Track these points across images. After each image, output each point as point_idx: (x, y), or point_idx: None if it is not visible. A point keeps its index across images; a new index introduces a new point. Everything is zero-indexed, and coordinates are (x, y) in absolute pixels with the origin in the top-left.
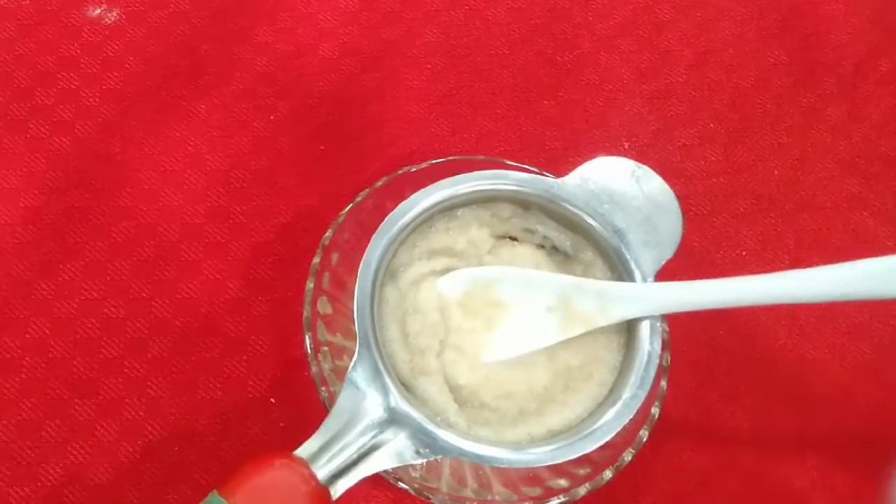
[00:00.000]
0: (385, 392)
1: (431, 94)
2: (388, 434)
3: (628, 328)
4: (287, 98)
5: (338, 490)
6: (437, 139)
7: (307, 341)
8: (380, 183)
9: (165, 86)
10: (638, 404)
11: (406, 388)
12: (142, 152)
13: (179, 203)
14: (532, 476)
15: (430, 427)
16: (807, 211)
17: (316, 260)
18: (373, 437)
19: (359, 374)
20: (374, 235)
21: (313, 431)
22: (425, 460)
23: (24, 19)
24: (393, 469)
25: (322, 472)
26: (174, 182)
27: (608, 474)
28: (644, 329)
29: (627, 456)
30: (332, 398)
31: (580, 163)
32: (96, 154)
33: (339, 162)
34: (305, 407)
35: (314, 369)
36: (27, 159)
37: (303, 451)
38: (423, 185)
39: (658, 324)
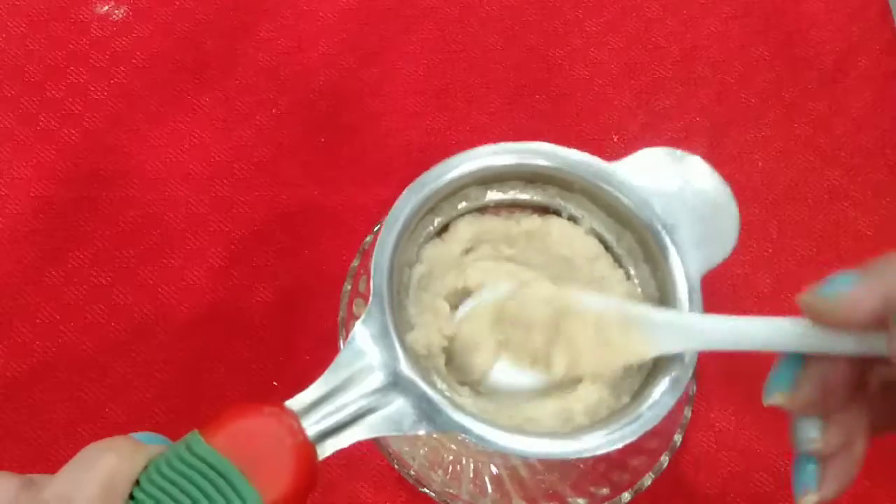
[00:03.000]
0: (392, 355)
1: (427, 88)
2: (389, 399)
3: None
4: (288, 92)
5: (325, 450)
6: (432, 132)
7: (342, 341)
8: None
9: (171, 80)
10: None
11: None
12: (148, 144)
13: (185, 193)
14: (552, 493)
15: (437, 399)
16: (789, 202)
17: (354, 263)
18: (371, 401)
19: (366, 330)
20: (405, 190)
21: None
22: (422, 432)
23: (34, 16)
24: (415, 472)
25: (312, 428)
26: (180, 173)
27: (627, 497)
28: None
29: (647, 480)
30: None
31: None
32: (104, 145)
33: (338, 153)
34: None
35: None
36: (37, 150)
37: (294, 402)
38: None
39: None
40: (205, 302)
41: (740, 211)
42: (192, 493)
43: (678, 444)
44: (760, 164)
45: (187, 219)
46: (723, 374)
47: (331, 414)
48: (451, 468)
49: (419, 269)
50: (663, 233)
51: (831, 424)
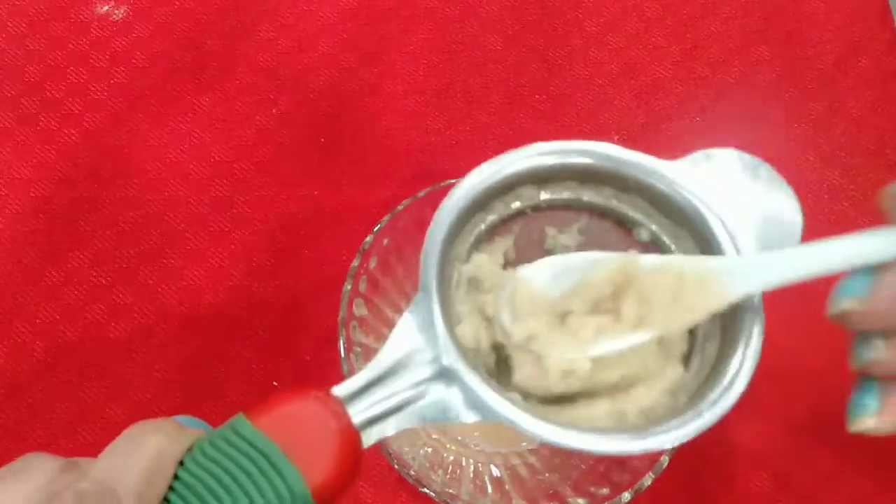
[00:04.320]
0: (437, 346)
1: (427, 88)
2: (436, 388)
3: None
4: (288, 92)
5: (371, 437)
6: (432, 132)
7: (341, 341)
8: (421, 193)
9: (171, 80)
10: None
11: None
12: (148, 144)
13: (184, 193)
14: (553, 493)
15: (483, 391)
16: None
17: (354, 263)
18: (418, 391)
19: (412, 321)
20: (455, 187)
21: None
22: (472, 420)
23: (34, 16)
24: (415, 472)
25: (358, 416)
26: (179, 173)
27: (627, 497)
28: (746, 310)
29: (647, 480)
30: None
31: None
32: (104, 146)
33: (338, 153)
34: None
35: (346, 369)
36: (37, 151)
37: (340, 389)
38: None
39: (760, 304)
40: (204, 302)
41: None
42: (235, 472)
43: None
44: None
45: (187, 219)
46: None
47: (377, 402)
48: (451, 468)
49: (468, 269)
50: (721, 226)
51: None
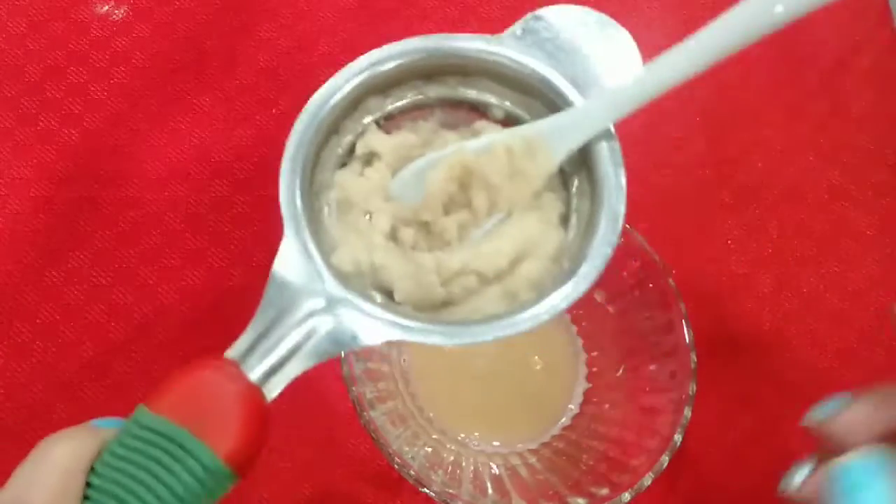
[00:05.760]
0: (317, 279)
1: None
2: (324, 319)
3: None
4: (288, 92)
5: (273, 389)
6: None
7: None
8: None
9: (171, 80)
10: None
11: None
12: (148, 144)
13: (185, 193)
14: (553, 493)
15: (371, 308)
16: (789, 202)
17: None
18: (308, 329)
19: (286, 261)
20: (300, 114)
21: (314, 414)
22: (369, 343)
23: (34, 15)
24: (415, 472)
25: (255, 372)
26: (179, 173)
27: (627, 497)
28: (601, 155)
29: (647, 480)
30: (361, 398)
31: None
32: (104, 146)
33: None
34: (307, 390)
35: (345, 369)
36: (37, 151)
37: (231, 352)
38: None
39: (616, 146)
40: (204, 302)
41: (741, 212)
42: (147, 465)
43: (678, 444)
44: (760, 164)
45: (187, 219)
46: (722, 374)
47: (270, 351)
48: (451, 468)
49: (335, 195)
50: (568, 85)
51: None
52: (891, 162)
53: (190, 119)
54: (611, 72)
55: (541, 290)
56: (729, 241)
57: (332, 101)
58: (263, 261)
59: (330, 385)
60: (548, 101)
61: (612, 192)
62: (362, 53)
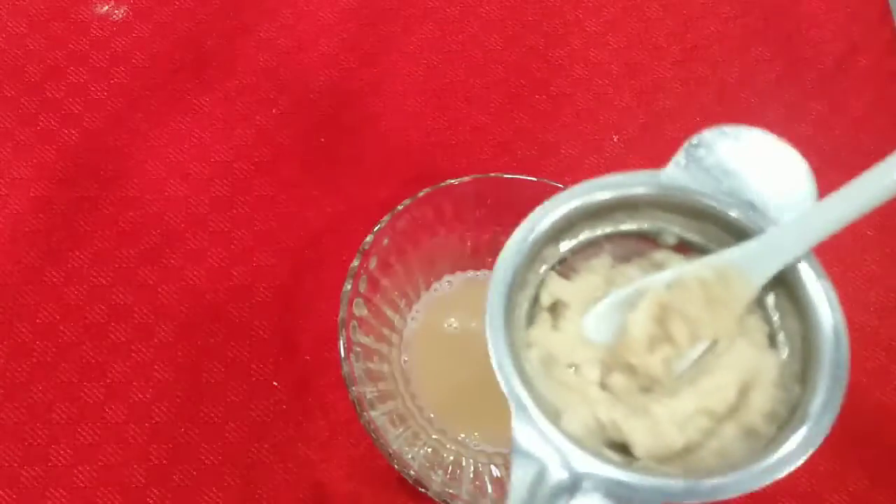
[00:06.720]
0: (560, 453)
1: (427, 88)
2: (579, 498)
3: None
4: (288, 92)
5: None
6: (432, 132)
7: (341, 341)
8: (421, 193)
9: (171, 80)
10: (833, 416)
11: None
12: (148, 144)
13: (184, 193)
14: None
15: (627, 477)
16: None
17: (354, 263)
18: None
19: (522, 439)
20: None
21: (314, 414)
22: None
23: (34, 16)
24: (415, 472)
25: None
26: (179, 173)
27: None
28: (808, 285)
29: None
30: (361, 398)
31: (572, 155)
32: (104, 146)
33: (338, 153)
34: (307, 390)
35: (345, 369)
36: (37, 151)
37: None
38: (464, 200)
39: (822, 271)
40: (204, 302)
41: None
42: None
43: None
44: None
45: (187, 219)
46: None
47: None
48: (451, 468)
49: (535, 353)
50: (739, 208)
51: None
52: None
53: (190, 119)
54: (781, 193)
55: (779, 424)
56: None
57: (517, 260)
58: (263, 261)
59: (330, 385)
60: (723, 223)
61: (825, 308)
62: (362, 53)
